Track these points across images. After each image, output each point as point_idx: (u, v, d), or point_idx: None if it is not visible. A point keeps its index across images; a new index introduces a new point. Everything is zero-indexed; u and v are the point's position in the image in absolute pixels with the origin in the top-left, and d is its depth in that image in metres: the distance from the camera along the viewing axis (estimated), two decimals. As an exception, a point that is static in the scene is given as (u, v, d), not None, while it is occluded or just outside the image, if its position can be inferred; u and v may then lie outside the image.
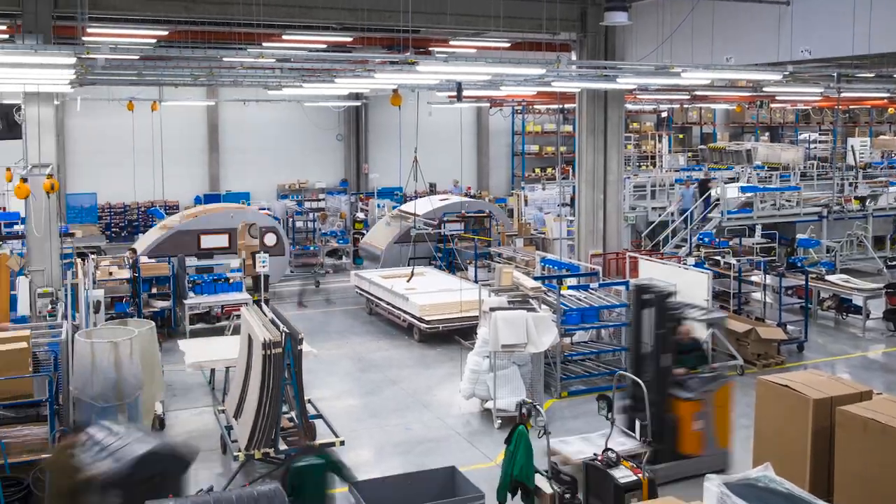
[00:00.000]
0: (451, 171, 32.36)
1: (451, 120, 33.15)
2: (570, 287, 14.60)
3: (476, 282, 17.57)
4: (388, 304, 17.65)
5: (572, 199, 21.97)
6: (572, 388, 13.46)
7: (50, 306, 14.51)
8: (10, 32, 16.79)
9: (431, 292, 17.27)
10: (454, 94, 23.37)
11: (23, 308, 14.37)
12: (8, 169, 17.10)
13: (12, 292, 14.89)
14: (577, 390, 13.42)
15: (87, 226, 26.78)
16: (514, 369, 12.21)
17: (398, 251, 21.73)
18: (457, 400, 12.94)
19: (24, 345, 9.69)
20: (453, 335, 16.02)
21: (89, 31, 16.17)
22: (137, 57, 18.05)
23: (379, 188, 30.11)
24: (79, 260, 14.76)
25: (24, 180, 14.26)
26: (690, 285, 13.31)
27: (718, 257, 18.07)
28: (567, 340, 14.10)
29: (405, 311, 16.83)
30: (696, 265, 15.74)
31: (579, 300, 14.31)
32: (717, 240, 20.48)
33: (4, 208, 24.93)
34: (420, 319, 16.19)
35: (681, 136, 42.03)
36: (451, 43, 20.07)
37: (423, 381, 14.21)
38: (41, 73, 12.93)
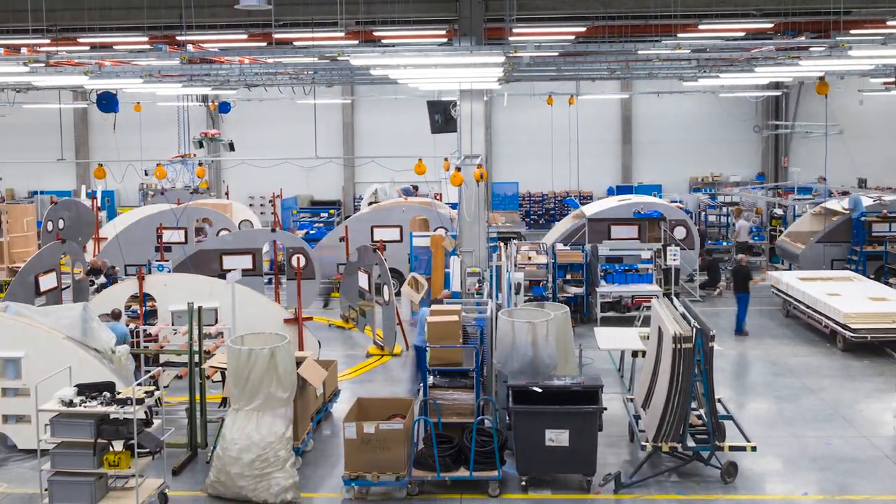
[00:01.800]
0: (888, 163, 29.20)
1: (887, 109, 29.90)
2: None
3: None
4: (808, 307, 16.46)
5: None
6: None
7: (477, 285, 15.90)
8: (447, 36, 18.59)
9: (859, 299, 15.79)
10: (891, 80, 21.05)
11: (455, 284, 15.95)
12: (446, 159, 19.05)
13: (446, 270, 16.60)
14: None
15: (509, 212, 28.79)
16: (964, 392, 10.66)
17: (821, 251, 20.11)
18: (888, 420, 11.68)
19: (455, 318, 10.69)
20: (884, 347, 14.58)
21: (515, 31, 17.26)
22: (557, 53, 18.91)
23: (800, 184, 28.09)
24: (502, 244, 15.91)
25: (458, 169, 15.77)
26: None
27: None
28: None
29: (827, 317, 15.57)
30: None
31: None
32: None
33: (441, 195, 27.73)
34: (845, 327, 14.88)
35: None
36: (889, 23, 18.02)
37: (847, 394, 13.02)
38: (474, 73, 14.13)
